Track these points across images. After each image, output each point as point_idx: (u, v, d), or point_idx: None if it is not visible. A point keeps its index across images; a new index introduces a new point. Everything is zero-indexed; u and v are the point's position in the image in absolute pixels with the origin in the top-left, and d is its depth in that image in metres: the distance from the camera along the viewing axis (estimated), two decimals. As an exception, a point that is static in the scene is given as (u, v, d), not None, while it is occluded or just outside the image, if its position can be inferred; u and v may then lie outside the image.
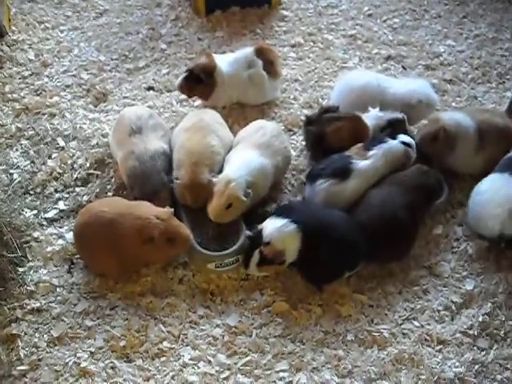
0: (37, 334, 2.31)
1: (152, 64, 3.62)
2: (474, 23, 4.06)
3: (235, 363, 2.25)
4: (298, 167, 2.96)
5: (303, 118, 3.08)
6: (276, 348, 2.30)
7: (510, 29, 4.02)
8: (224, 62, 3.19)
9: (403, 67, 3.64)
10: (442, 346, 2.33)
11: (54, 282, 2.48)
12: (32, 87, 3.42)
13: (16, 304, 2.39)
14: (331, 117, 2.89)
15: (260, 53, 3.22)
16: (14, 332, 2.30)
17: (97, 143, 3.02)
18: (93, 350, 2.27)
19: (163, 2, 4.11)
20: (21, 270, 2.51)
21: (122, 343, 2.29)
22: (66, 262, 2.56)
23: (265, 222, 2.47)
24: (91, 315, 2.38)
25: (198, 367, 2.23)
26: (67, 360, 2.24)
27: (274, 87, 3.31)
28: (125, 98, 3.36)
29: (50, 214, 2.74)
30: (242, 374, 2.22)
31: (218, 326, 2.37)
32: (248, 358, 2.27)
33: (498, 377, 2.25)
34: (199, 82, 3.11)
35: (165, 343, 2.30)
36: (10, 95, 3.35)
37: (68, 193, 2.83)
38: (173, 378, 2.20)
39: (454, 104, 3.38)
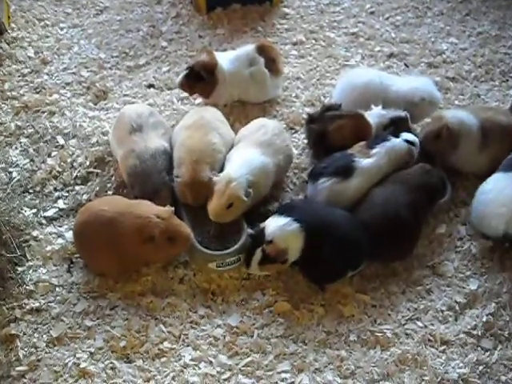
0: (36, 334, 2.29)
1: (152, 61, 3.60)
2: (476, 21, 4.04)
3: (236, 364, 2.23)
4: (299, 166, 2.95)
5: (305, 116, 3.06)
6: (278, 348, 2.28)
7: (514, 26, 4.00)
8: (225, 59, 3.17)
9: (406, 65, 3.62)
10: (445, 346, 2.31)
11: (53, 282, 2.46)
12: (31, 85, 3.40)
13: (15, 304, 2.38)
14: (333, 115, 2.87)
15: (262, 50, 3.20)
16: (13, 332, 2.28)
17: (97, 141, 3.00)
18: (92, 350, 2.25)
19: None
20: (20, 269, 2.49)
21: (122, 343, 2.27)
22: (66, 262, 2.54)
23: (267, 221, 2.45)
24: (91, 315, 2.36)
25: (199, 368, 2.21)
26: (67, 360, 2.22)
27: (276, 85, 3.29)
28: (125, 95, 3.34)
29: (50, 213, 2.72)
30: (243, 375, 2.20)
31: (219, 326, 2.35)
32: (249, 358, 2.25)
33: (503, 378, 2.23)
34: (200, 80, 3.09)
35: (165, 343, 2.28)
36: (9, 93, 3.33)
37: (68, 191, 2.81)
38: (173, 378, 2.18)
39: (456, 102, 3.35)
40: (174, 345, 2.28)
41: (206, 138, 2.69)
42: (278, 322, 2.37)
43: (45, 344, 2.27)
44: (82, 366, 2.19)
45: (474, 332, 2.35)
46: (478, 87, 3.48)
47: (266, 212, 2.65)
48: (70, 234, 2.59)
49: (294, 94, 3.36)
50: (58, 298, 2.41)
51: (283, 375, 2.20)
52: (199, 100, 3.28)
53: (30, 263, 2.52)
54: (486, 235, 2.66)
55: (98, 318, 2.35)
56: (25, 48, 3.66)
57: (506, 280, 2.51)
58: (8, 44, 3.67)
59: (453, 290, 2.50)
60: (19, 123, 3.13)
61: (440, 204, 2.74)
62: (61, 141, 3.02)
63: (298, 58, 3.64)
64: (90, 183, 2.83)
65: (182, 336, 2.31)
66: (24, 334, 2.29)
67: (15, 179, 2.83)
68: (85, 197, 2.77)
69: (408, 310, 2.43)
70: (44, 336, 2.29)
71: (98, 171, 2.87)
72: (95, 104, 3.30)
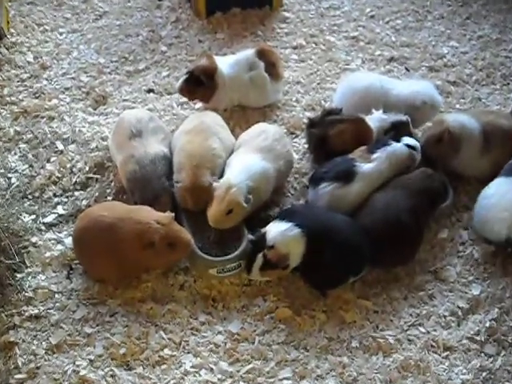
0: (35, 342, 2.27)
1: (152, 66, 3.59)
2: (477, 24, 4.03)
3: (238, 371, 2.21)
4: (300, 170, 2.93)
5: (306, 120, 3.05)
6: (279, 355, 2.26)
7: (514, 30, 4.00)
8: (225, 63, 3.16)
9: (406, 69, 3.61)
10: (448, 352, 2.30)
11: (52, 288, 2.44)
12: (31, 90, 3.39)
13: (14, 311, 2.36)
14: (334, 119, 2.86)
15: (261, 54, 3.19)
16: (12, 339, 2.26)
17: (96, 147, 2.98)
18: (92, 357, 2.23)
19: (163, 4, 4.09)
20: (19, 275, 2.47)
21: (122, 351, 2.25)
22: (65, 268, 2.53)
23: (268, 226, 2.43)
24: (90, 322, 2.34)
25: (200, 375, 2.19)
26: (66, 368, 2.20)
27: (276, 89, 3.28)
28: (124, 100, 3.33)
29: (49, 219, 2.70)
30: (244, 382, 2.18)
31: (219, 332, 2.33)
32: (251, 365, 2.23)
33: (507, 384, 2.22)
34: (200, 85, 3.08)
35: (166, 350, 2.26)
36: (8, 98, 3.32)
37: (67, 197, 2.79)
38: (174, 386, 2.17)
39: (458, 106, 3.35)
40: (174, 352, 2.26)
41: (206, 142, 2.68)
42: (279, 329, 2.35)
43: (44, 351, 2.24)
44: (81, 374, 2.17)
45: (477, 338, 2.33)
46: (479, 91, 3.48)
47: (267, 217, 2.64)
48: (69, 240, 2.57)
49: (294, 99, 3.35)
50: (58, 304, 2.39)
51: (285, 382, 2.18)
52: (199, 105, 3.27)
53: (29, 270, 2.50)
54: (488, 240, 2.64)
55: (97, 325, 2.33)
56: (24, 53, 3.65)
57: (509, 285, 2.50)
58: (7, 49, 3.67)
59: (455, 296, 2.48)
60: (18, 128, 3.12)
61: (442, 208, 2.72)
62: (60, 146, 3.01)
63: (298, 62, 3.63)
64: (89, 189, 2.82)
65: (183, 343, 2.29)
66: (23, 341, 2.27)
67: (14, 185, 2.81)
68: (84, 202, 2.75)
69: (410, 315, 2.42)
70: (43, 343, 2.27)
71: (98, 177, 2.86)
72: (94, 109, 3.29)
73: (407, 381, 2.19)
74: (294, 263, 2.40)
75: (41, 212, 2.73)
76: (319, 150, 2.87)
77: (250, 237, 2.46)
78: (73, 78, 3.48)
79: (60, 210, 2.74)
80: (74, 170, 2.90)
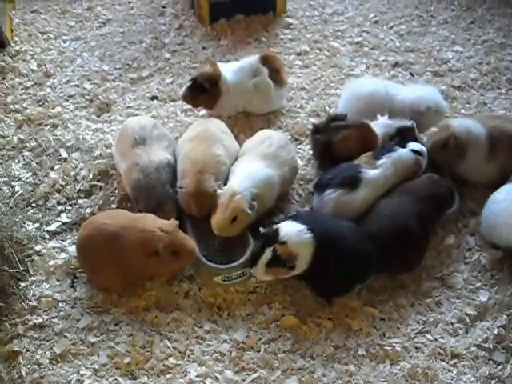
0: (39, 351, 2.26)
1: (156, 73, 3.59)
2: (481, 29, 4.02)
3: (243, 380, 2.19)
4: (305, 177, 2.92)
5: (310, 126, 3.03)
6: (285, 364, 2.24)
7: (519, 34, 3.99)
8: (229, 70, 3.15)
9: (411, 74, 3.60)
10: (456, 360, 2.27)
11: (56, 297, 2.43)
12: (34, 98, 3.39)
13: (17, 320, 2.34)
14: (339, 125, 2.85)
15: (265, 61, 3.18)
16: (16, 349, 2.25)
17: (100, 154, 2.98)
18: (96, 366, 2.22)
19: (167, 11, 4.10)
20: (22, 284, 2.46)
21: (127, 360, 2.23)
22: (69, 276, 2.51)
23: (281, 223, 2.40)
24: (95, 331, 2.33)
25: (205, 384, 2.18)
26: (70, 377, 2.18)
27: (280, 96, 3.27)
28: (128, 107, 3.33)
29: (53, 227, 2.69)
30: (250, 391, 2.17)
31: (225, 341, 2.31)
32: (256, 374, 2.21)
33: (516, 392, 2.19)
34: (204, 92, 3.08)
35: (170, 359, 2.24)
36: (12, 106, 3.32)
37: (71, 205, 2.79)
38: (179, 395, 2.15)
39: (463, 111, 3.33)
40: (179, 361, 2.24)
41: (210, 150, 2.66)
42: (285, 337, 2.33)
43: (48, 361, 2.23)
44: (85, 383, 2.15)
45: (486, 345, 2.30)
46: (485, 95, 3.46)
47: (271, 224, 2.61)
48: (73, 249, 2.56)
49: (298, 105, 3.34)
50: (62, 313, 2.38)
51: (291, 391, 2.17)
52: (203, 112, 3.26)
53: (33, 278, 2.49)
54: (495, 245, 2.62)
55: (101, 334, 2.32)
56: (28, 61, 3.66)
57: (517, 291, 2.48)
58: (11, 57, 3.67)
59: (463, 302, 2.45)
60: (22, 136, 3.12)
61: (448, 214, 2.70)
62: (64, 154, 3.01)
63: (303, 68, 3.62)
64: (93, 197, 2.81)
65: (188, 352, 2.27)
66: (27, 350, 2.26)
67: (18, 193, 2.81)
68: (88, 210, 2.74)
69: (417, 322, 2.39)
70: (47, 352, 2.25)
71: (102, 184, 2.85)
72: (98, 116, 3.28)
73: (415, 389, 2.17)
74: (300, 267, 2.35)
75: (44, 220, 2.72)
76: (324, 157, 2.86)
77: (262, 230, 2.40)
78: (76, 86, 3.48)
79: (64, 218, 2.73)
80: (77, 177, 2.89)
